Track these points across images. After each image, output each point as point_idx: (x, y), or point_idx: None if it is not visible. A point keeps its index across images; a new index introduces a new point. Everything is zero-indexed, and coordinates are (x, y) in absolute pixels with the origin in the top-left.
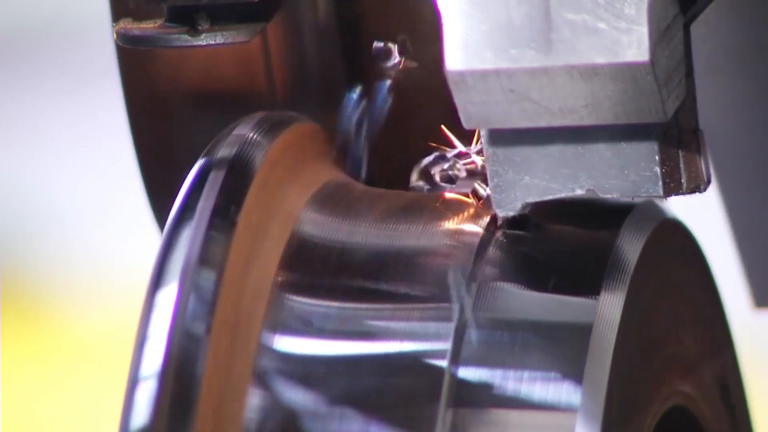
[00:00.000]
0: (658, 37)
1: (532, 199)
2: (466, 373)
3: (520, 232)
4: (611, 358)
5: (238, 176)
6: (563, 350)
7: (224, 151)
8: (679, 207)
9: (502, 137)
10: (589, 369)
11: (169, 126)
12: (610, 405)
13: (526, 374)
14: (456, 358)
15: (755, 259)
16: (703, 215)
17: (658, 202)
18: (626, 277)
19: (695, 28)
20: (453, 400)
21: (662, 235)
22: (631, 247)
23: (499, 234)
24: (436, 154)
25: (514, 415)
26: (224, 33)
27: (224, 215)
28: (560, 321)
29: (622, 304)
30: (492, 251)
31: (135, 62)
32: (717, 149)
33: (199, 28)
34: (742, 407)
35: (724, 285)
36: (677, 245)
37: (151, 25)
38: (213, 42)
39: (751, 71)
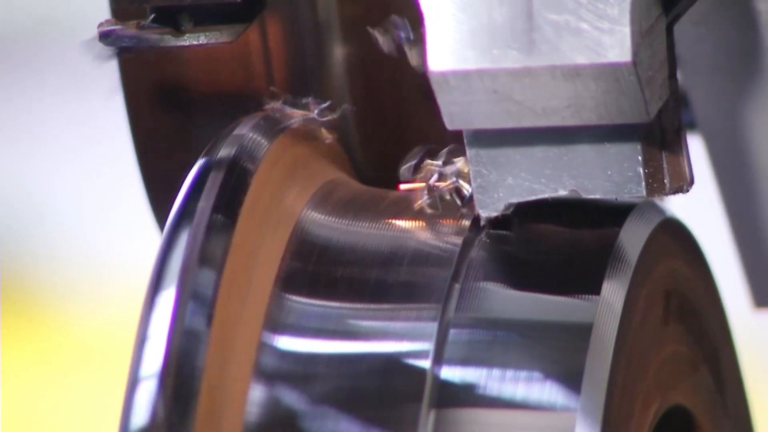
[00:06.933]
0: (641, 38)
1: (515, 200)
2: (449, 373)
3: (504, 233)
4: (611, 358)
5: (237, 176)
6: (560, 350)
7: (224, 151)
8: (679, 207)
9: (485, 138)
10: (588, 369)
11: (169, 126)
12: (609, 405)
13: (515, 374)
14: (439, 359)
15: (755, 259)
16: (703, 215)
17: (657, 202)
18: (627, 277)
19: (695, 28)
20: (435, 400)
21: (662, 235)
22: (631, 246)
23: (482, 234)
24: (425, 150)
25: (507, 416)
26: (207, 34)
27: (224, 215)
28: (556, 320)
29: (623, 303)
30: (475, 252)
31: (135, 62)
32: (717, 149)
33: (182, 28)
34: (742, 407)
35: (724, 285)
36: (677, 245)
37: (134, 26)
38: (196, 43)
39: (751, 71)
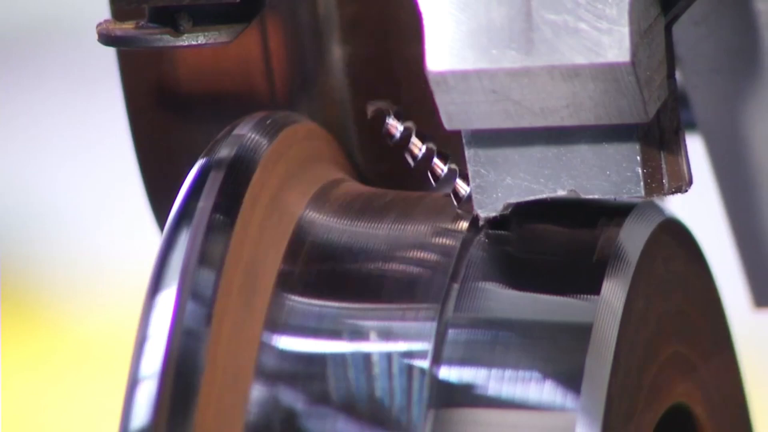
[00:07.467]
0: (639, 38)
1: (514, 200)
2: (448, 373)
3: (503, 233)
4: (612, 358)
5: (237, 176)
6: (559, 350)
7: (224, 151)
8: (679, 207)
9: (483, 138)
10: (588, 369)
11: (169, 126)
12: (609, 405)
13: (514, 374)
14: (437, 359)
15: (755, 259)
16: (703, 215)
17: (658, 202)
18: (627, 277)
19: (695, 28)
20: (434, 400)
21: (662, 235)
22: (631, 246)
23: (481, 235)
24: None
25: (506, 416)
26: (206, 34)
27: (224, 215)
28: (556, 321)
29: (623, 303)
30: (474, 252)
31: (135, 62)
32: (717, 149)
33: (181, 28)
34: (742, 407)
35: (724, 285)
36: (677, 245)
37: (133, 26)
38: (194, 43)
39: (751, 71)
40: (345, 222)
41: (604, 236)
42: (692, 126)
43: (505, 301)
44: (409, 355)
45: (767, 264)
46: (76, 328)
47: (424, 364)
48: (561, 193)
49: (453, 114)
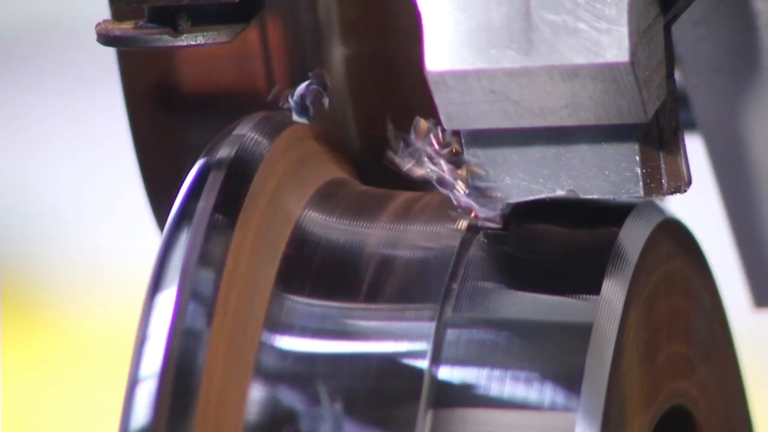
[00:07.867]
0: (639, 38)
1: (512, 200)
2: (447, 373)
3: (502, 232)
4: (612, 358)
5: (237, 176)
6: (559, 350)
7: (224, 151)
8: (679, 207)
9: (482, 138)
10: (588, 369)
11: (169, 126)
12: (609, 405)
13: (513, 374)
14: (436, 359)
15: (755, 259)
16: (703, 215)
17: (657, 202)
18: (626, 277)
19: (695, 28)
20: (433, 400)
21: (662, 234)
22: (631, 246)
23: (480, 235)
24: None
25: (505, 416)
26: (205, 34)
27: (224, 215)
28: (555, 320)
29: (623, 303)
30: (473, 252)
31: (135, 63)
32: (717, 149)
33: (180, 28)
34: (742, 407)
35: (724, 285)
36: (677, 245)
37: (132, 26)
38: (194, 43)
39: (751, 71)
40: (344, 222)
41: (604, 236)
42: (692, 126)
43: (505, 301)
44: (409, 355)
45: (767, 264)
46: (76, 328)
47: (424, 364)
48: (560, 193)
49: (452, 114)
